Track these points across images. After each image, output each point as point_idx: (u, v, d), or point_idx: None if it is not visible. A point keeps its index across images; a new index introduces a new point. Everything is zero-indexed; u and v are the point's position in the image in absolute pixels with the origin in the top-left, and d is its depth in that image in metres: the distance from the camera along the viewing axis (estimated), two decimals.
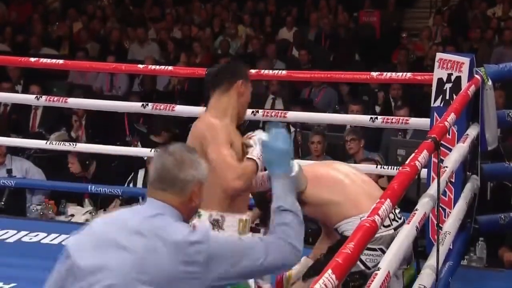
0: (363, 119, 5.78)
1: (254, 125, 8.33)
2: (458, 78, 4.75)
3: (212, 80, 3.49)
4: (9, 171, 6.87)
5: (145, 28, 12.56)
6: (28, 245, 5.31)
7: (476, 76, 4.82)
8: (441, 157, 4.15)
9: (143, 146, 7.38)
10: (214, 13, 13.58)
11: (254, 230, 3.93)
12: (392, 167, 5.58)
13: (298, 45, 11.88)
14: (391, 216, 3.66)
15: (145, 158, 6.60)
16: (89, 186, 6.18)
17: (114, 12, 13.80)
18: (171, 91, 10.45)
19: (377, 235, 3.50)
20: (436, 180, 3.68)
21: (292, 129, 8.25)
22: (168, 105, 5.78)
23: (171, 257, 2.38)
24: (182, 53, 11.11)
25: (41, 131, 8.52)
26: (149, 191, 2.55)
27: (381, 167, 5.74)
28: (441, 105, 4.76)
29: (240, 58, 11.56)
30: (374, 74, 5.50)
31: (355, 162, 6.35)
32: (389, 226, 3.66)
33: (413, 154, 3.34)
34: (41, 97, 6.17)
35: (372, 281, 2.88)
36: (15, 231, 5.51)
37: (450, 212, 4.62)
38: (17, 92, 9.59)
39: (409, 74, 5.43)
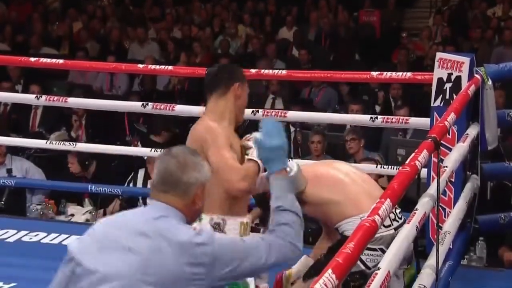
0: (363, 118, 5.78)
1: (253, 125, 8.34)
2: (458, 78, 4.75)
3: (208, 84, 3.48)
4: (9, 171, 6.88)
5: (145, 28, 12.57)
6: (28, 245, 5.31)
7: (476, 75, 4.82)
8: (441, 156, 4.15)
9: (143, 146, 7.37)
10: (214, 13, 13.58)
11: (254, 230, 3.93)
12: (392, 166, 5.58)
13: (298, 44, 11.88)
14: (392, 216, 3.66)
15: (145, 157, 6.60)
16: (89, 186, 6.18)
17: (114, 12, 13.80)
18: (171, 90, 10.45)
19: (377, 235, 3.51)
20: (436, 180, 3.68)
21: (292, 128, 8.26)
22: (168, 104, 5.78)
23: (176, 258, 2.39)
24: (182, 53, 11.12)
25: (41, 131, 8.53)
26: (152, 193, 2.56)
27: (381, 167, 5.74)
28: (441, 104, 4.76)
29: (240, 57, 11.57)
30: (374, 73, 5.50)
31: (355, 162, 6.34)
32: (389, 226, 3.65)
33: (413, 154, 3.34)
34: (41, 96, 6.17)
35: (372, 280, 2.88)
36: (15, 231, 5.51)
37: (450, 212, 4.62)
38: (17, 91, 9.60)
39: (409, 74, 5.43)
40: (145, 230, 2.44)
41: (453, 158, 4.12)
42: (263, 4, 13.67)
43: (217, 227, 3.31)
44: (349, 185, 3.77)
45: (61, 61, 6.23)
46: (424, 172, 4.35)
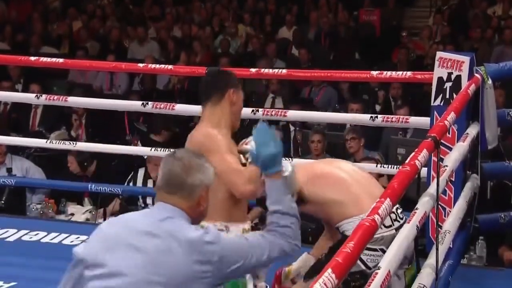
0: (363, 118, 5.77)
1: (253, 125, 8.34)
2: (458, 77, 4.75)
3: (202, 92, 3.46)
4: (9, 170, 6.88)
5: (145, 27, 12.56)
6: (28, 244, 5.31)
7: (476, 75, 4.82)
8: (441, 156, 4.16)
9: (143, 145, 7.37)
10: (214, 12, 13.58)
11: (254, 229, 3.93)
12: (392, 166, 5.58)
13: (298, 44, 11.88)
14: (393, 216, 3.65)
15: (145, 157, 6.60)
16: (89, 185, 6.17)
17: (114, 11, 13.80)
18: (171, 90, 10.45)
19: (378, 236, 3.51)
20: (436, 179, 3.68)
21: (292, 128, 8.26)
22: (168, 104, 5.78)
23: (186, 257, 2.43)
24: (182, 52, 11.11)
25: (41, 130, 8.53)
26: (157, 195, 2.59)
27: (381, 166, 5.74)
28: (441, 104, 4.76)
29: (240, 57, 11.57)
30: (374, 73, 5.49)
31: (355, 161, 6.34)
32: (390, 226, 3.65)
33: (413, 153, 3.34)
34: (41, 96, 6.17)
35: (373, 280, 2.88)
36: (15, 230, 5.51)
37: (450, 211, 4.62)
38: (17, 91, 9.60)
39: (409, 73, 5.42)
40: (153, 231, 2.47)
41: (453, 158, 4.12)
42: (263, 3, 13.67)
43: None
44: (352, 185, 3.77)
45: (61, 60, 6.23)
46: (424, 171, 4.35)
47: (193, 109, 5.65)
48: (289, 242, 2.64)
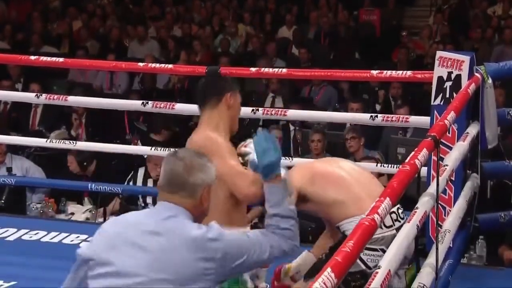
0: (363, 117, 5.77)
1: (253, 125, 8.34)
2: (458, 76, 4.75)
3: (199, 97, 3.44)
4: (9, 170, 6.88)
5: (145, 26, 12.57)
6: (28, 243, 5.31)
7: (476, 74, 4.81)
8: (441, 155, 4.15)
9: (143, 144, 7.37)
10: (214, 11, 13.59)
11: (253, 228, 3.93)
12: (392, 165, 5.58)
13: (298, 43, 11.88)
14: (394, 216, 3.64)
15: (145, 156, 6.60)
16: (89, 185, 6.17)
17: (114, 11, 13.80)
18: (171, 89, 10.46)
19: (379, 236, 3.51)
20: (436, 179, 3.68)
21: (292, 127, 8.26)
22: (168, 103, 5.77)
23: (190, 255, 2.45)
24: (182, 52, 11.12)
25: (41, 129, 8.53)
26: (160, 195, 2.61)
27: (381, 166, 5.74)
28: (441, 103, 4.75)
29: (240, 56, 11.58)
30: (374, 72, 5.48)
31: (355, 160, 6.34)
32: (391, 226, 3.63)
33: (412, 153, 3.34)
34: (41, 95, 6.17)
35: (373, 279, 2.88)
36: (15, 229, 5.50)
37: (450, 211, 4.62)
38: (17, 90, 9.60)
39: (409, 73, 5.41)
40: (157, 230, 2.49)
41: (453, 157, 4.12)
42: (263, 2, 13.68)
43: None
44: (353, 184, 3.76)
45: (61, 59, 6.23)
46: (424, 170, 4.35)
47: (193, 108, 5.60)
48: (289, 243, 2.69)
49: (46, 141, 6.38)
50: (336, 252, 2.35)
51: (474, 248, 5.14)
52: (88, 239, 4.98)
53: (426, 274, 3.59)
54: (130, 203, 6.40)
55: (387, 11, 13.02)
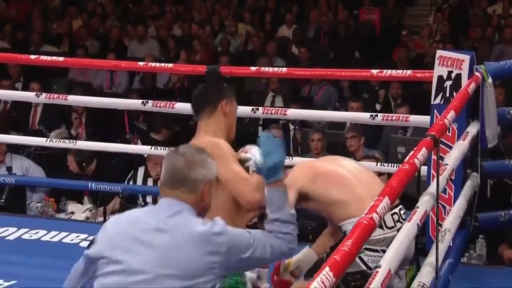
0: (363, 116, 5.77)
1: (253, 124, 8.34)
2: (458, 76, 4.75)
3: (195, 105, 3.44)
4: (9, 169, 6.88)
5: (145, 26, 12.57)
6: (28, 243, 5.31)
7: (476, 73, 4.81)
8: (441, 154, 4.15)
9: (143, 144, 7.37)
10: (214, 10, 13.58)
11: (253, 227, 3.93)
12: (392, 164, 5.57)
13: (298, 42, 11.88)
14: (395, 217, 3.62)
15: (145, 155, 6.60)
16: (89, 184, 6.17)
17: (114, 10, 13.80)
18: (171, 88, 10.45)
19: (380, 237, 3.51)
20: (436, 178, 3.67)
21: (292, 126, 8.26)
22: (168, 102, 5.77)
23: (197, 250, 2.47)
24: (182, 51, 11.12)
25: (41, 129, 8.53)
26: (161, 191, 2.63)
27: (381, 165, 5.74)
28: (441, 102, 4.75)
29: (240, 55, 11.58)
30: (374, 71, 5.48)
31: (355, 160, 6.34)
32: (392, 227, 3.61)
33: (412, 152, 3.33)
34: (41, 94, 6.16)
35: (373, 279, 2.88)
36: (15, 229, 5.50)
37: (450, 210, 4.62)
38: (17, 89, 9.59)
39: (409, 72, 5.41)
40: (163, 226, 2.51)
41: (453, 156, 4.12)
42: (263, 2, 13.68)
43: None
44: (355, 184, 3.74)
45: (61, 59, 6.23)
46: (424, 170, 4.35)
47: None
48: (289, 247, 2.74)
49: (46, 141, 6.38)
50: (334, 251, 2.35)
51: (474, 247, 5.14)
52: (88, 238, 4.98)
53: (426, 273, 3.59)
54: (130, 202, 6.41)
55: (387, 10, 13.02)
